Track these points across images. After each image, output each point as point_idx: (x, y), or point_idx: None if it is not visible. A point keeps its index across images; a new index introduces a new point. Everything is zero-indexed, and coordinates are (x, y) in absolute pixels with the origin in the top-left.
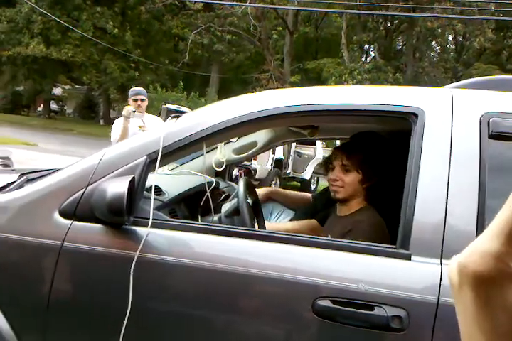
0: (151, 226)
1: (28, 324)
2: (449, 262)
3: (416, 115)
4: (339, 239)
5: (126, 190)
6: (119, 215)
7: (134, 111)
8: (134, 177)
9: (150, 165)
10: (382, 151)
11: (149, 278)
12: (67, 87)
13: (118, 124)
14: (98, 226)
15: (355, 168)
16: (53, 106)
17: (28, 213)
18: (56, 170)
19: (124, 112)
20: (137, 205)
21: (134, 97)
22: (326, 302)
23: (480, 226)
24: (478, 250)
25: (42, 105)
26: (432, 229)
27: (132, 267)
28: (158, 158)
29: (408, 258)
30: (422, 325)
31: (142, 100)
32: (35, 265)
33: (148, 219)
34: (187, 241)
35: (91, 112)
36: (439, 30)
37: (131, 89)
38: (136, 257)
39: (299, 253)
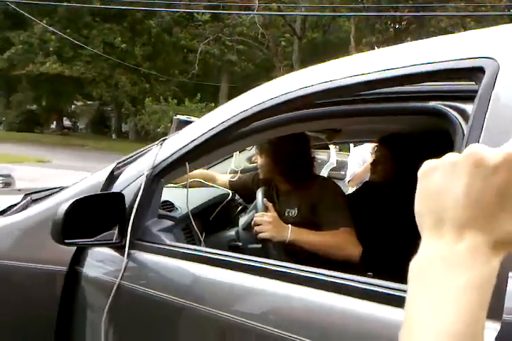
0: (150, 251)
1: None
2: None
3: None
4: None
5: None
6: (57, 237)
7: None
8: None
9: (155, 180)
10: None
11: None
12: (79, 103)
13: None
14: (106, 250)
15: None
16: (66, 122)
17: (33, 237)
18: (62, 189)
19: None
20: (142, 226)
21: None
22: None
23: None
24: None
25: (55, 122)
26: None
27: (111, 297)
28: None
29: None
30: None
31: None
32: (39, 293)
33: (155, 243)
34: (171, 270)
35: (103, 127)
36: (449, 30)
37: None
38: (116, 286)
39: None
